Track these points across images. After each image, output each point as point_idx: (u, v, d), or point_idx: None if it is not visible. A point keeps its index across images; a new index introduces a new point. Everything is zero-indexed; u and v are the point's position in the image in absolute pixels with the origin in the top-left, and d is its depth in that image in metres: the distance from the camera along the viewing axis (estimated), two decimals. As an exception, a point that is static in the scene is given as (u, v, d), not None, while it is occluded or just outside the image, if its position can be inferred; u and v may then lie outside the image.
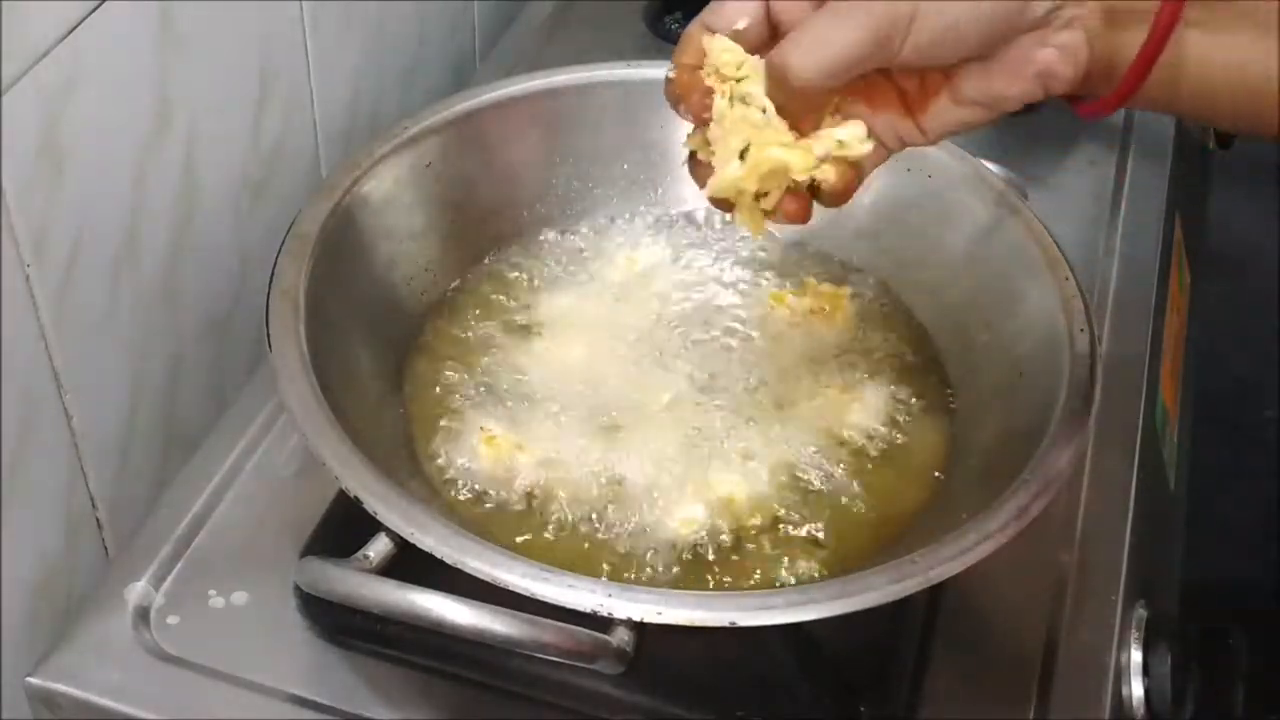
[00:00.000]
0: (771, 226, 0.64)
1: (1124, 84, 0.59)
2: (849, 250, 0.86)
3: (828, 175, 0.60)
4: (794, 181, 0.60)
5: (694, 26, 0.61)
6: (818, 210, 0.62)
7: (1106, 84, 0.59)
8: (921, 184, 0.83)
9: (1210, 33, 0.58)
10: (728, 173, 0.60)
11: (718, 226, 0.88)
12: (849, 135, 0.60)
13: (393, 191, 0.80)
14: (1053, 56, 0.57)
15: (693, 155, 0.63)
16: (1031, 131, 1.07)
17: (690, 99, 0.61)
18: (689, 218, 0.88)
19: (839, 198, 0.61)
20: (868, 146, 0.60)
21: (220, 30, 0.78)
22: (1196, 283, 1.16)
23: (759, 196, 0.61)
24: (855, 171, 0.61)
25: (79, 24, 0.66)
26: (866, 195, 0.84)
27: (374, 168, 0.79)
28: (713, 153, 0.61)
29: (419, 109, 0.84)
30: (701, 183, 0.62)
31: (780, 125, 0.59)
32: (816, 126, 0.60)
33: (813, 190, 0.61)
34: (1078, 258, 0.77)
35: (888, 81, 0.61)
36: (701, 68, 0.61)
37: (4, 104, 0.63)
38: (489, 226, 0.85)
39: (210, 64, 0.78)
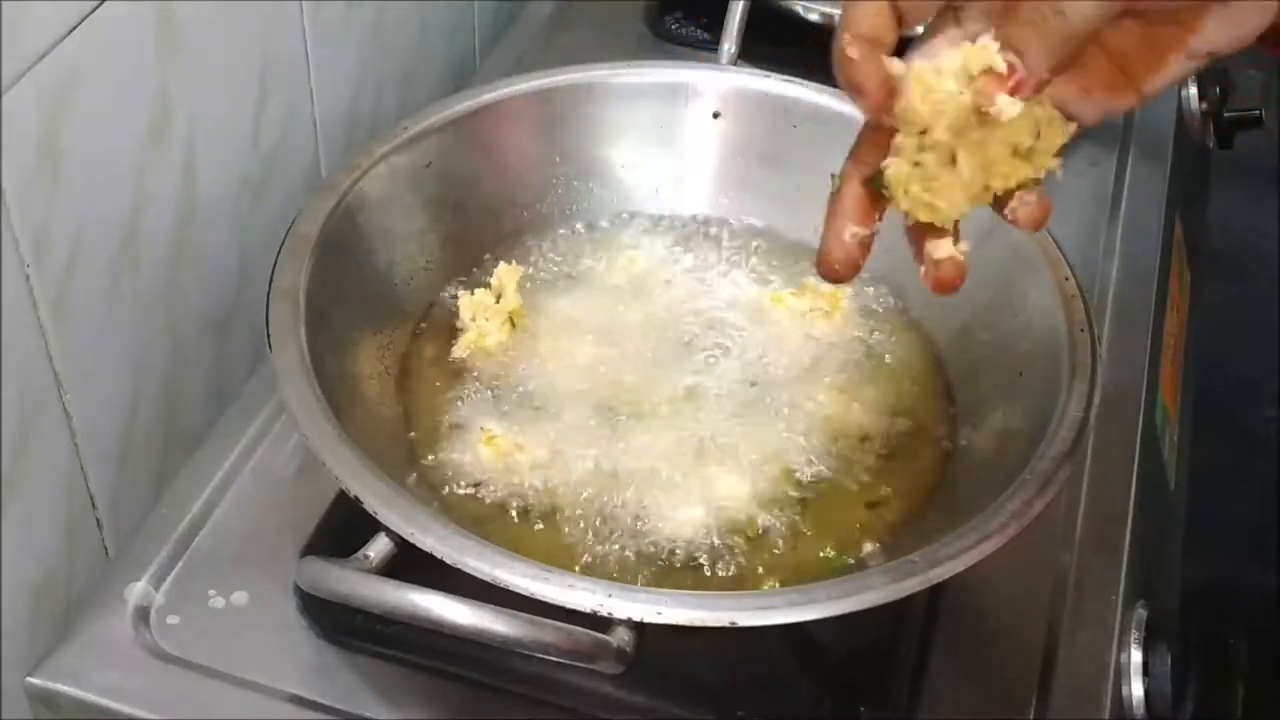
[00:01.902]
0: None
1: None
2: (849, 250, 0.85)
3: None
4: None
5: (850, 46, 0.54)
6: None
7: None
8: (921, 184, 0.83)
9: None
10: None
11: (717, 227, 0.88)
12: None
13: (393, 191, 0.80)
14: None
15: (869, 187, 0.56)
16: (1032, 131, 1.07)
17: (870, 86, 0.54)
18: (688, 218, 0.88)
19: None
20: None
21: (220, 30, 0.78)
22: (1196, 283, 1.16)
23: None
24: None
25: (79, 24, 0.66)
26: (866, 195, 0.85)
27: (374, 168, 0.79)
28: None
29: (419, 109, 0.84)
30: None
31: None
32: None
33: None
34: (1078, 258, 0.77)
35: (1099, 54, 0.56)
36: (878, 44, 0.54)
37: (4, 104, 0.63)
38: (489, 226, 0.85)
39: (210, 64, 0.78)
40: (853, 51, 0.54)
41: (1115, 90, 0.57)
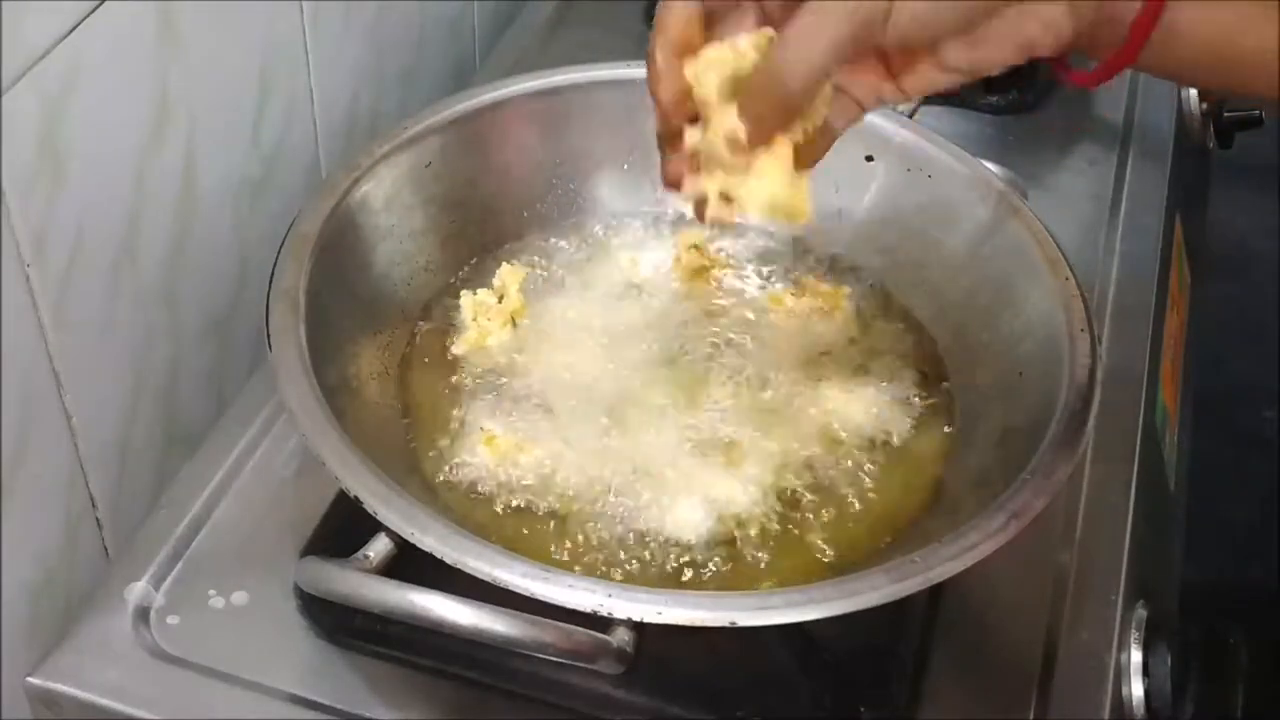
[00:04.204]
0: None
1: (1116, 57, 0.60)
2: (849, 250, 0.85)
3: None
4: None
5: (660, 51, 0.62)
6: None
7: (1095, 51, 0.61)
8: (922, 184, 0.83)
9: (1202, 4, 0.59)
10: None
11: (716, 227, 0.87)
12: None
13: (393, 191, 0.80)
14: (1035, 30, 0.59)
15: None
16: (1031, 131, 1.07)
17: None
18: (688, 218, 0.88)
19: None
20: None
21: (220, 30, 0.78)
22: (1196, 283, 1.16)
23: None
24: (825, 138, 0.64)
25: (79, 24, 0.66)
26: (867, 195, 0.85)
27: (374, 168, 0.79)
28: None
29: (419, 109, 0.84)
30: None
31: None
32: None
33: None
34: (1078, 258, 0.77)
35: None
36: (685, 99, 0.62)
37: (4, 104, 0.63)
38: (489, 226, 0.85)
39: (210, 64, 0.78)
40: (659, 61, 0.62)
41: (880, 81, 0.64)
